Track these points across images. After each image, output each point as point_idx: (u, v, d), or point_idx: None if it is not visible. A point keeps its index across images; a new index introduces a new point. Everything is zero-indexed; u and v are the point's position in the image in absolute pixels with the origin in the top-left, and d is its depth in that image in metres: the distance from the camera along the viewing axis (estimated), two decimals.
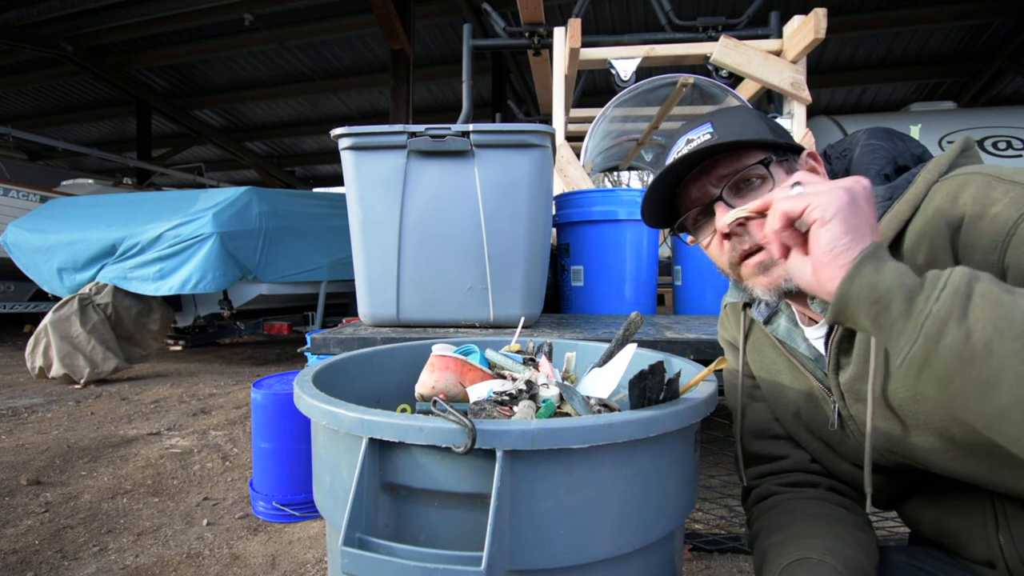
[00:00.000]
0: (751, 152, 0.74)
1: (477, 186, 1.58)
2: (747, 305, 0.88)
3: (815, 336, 0.78)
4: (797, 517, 0.78)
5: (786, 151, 0.76)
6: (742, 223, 0.71)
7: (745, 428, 0.91)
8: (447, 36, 8.09)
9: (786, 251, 0.61)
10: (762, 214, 0.64)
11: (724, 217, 0.70)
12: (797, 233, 0.59)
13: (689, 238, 0.84)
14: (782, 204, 0.58)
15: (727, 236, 0.73)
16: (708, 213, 0.77)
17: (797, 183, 0.60)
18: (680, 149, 0.78)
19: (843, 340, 0.72)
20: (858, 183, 0.57)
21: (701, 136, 0.76)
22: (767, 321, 0.83)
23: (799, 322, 0.80)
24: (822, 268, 0.56)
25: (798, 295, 0.76)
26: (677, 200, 0.82)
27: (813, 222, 0.56)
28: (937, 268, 0.62)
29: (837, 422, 0.75)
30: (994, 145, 4.92)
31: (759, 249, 0.72)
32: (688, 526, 1.85)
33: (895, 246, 0.67)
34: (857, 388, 0.71)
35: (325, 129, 10.78)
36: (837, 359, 0.73)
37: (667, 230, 2.50)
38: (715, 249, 0.77)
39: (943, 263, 0.62)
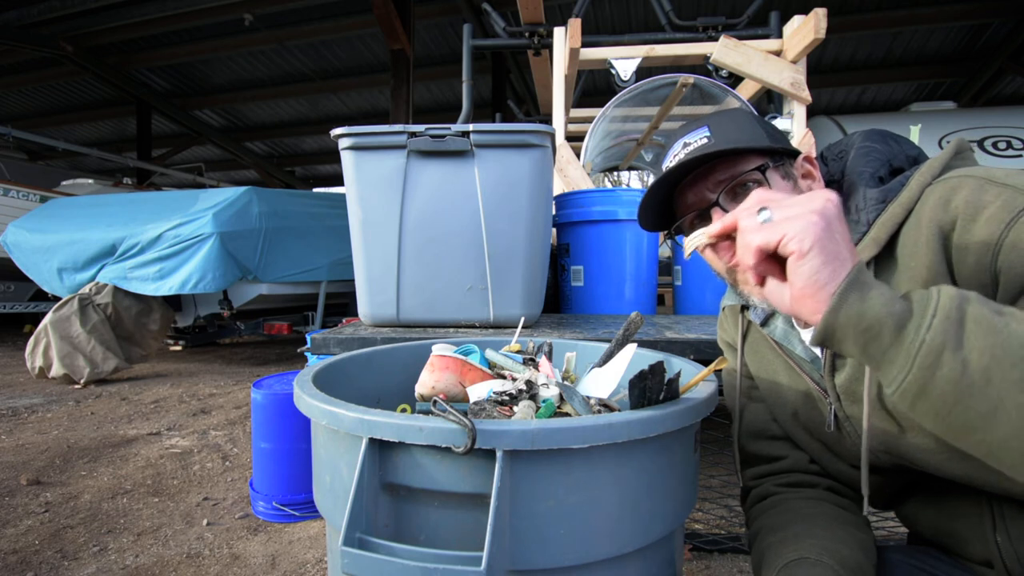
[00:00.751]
0: (748, 158, 0.75)
1: (477, 186, 1.58)
2: (745, 307, 0.89)
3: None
4: (795, 517, 0.78)
5: (782, 155, 0.76)
6: (712, 243, 0.69)
7: (743, 429, 0.91)
8: (447, 36, 8.09)
9: (762, 279, 0.60)
10: (729, 236, 0.62)
11: (688, 241, 0.69)
12: (772, 262, 0.57)
13: (685, 241, 0.84)
14: (755, 238, 0.55)
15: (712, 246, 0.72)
16: (704, 218, 0.78)
17: (763, 208, 0.57)
18: (677, 153, 0.78)
19: None
20: (828, 202, 0.54)
21: (698, 140, 0.76)
22: (764, 323, 0.84)
23: (795, 324, 0.80)
24: (804, 300, 0.54)
25: None
26: (674, 204, 0.83)
27: (790, 254, 0.53)
28: (930, 273, 0.62)
29: (833, 423, 0.76)
30: (994, 145, 4.92)
31: None
32: (688, 526, 1.85)
33: (888, 249, 0.68)
34: (853, 389, 0.71)
35: (325, 129, 10.78)
36: (833, 361, 0.73)
37: (665, 232, 2.50)
38: (710, 253, 0.78)
39: (936, 268, 0.62)
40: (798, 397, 0.82)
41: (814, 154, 0.80)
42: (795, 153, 0.77)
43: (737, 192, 0.75)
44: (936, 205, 0.63)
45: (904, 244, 0.66)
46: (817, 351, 0.77)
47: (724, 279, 0.80)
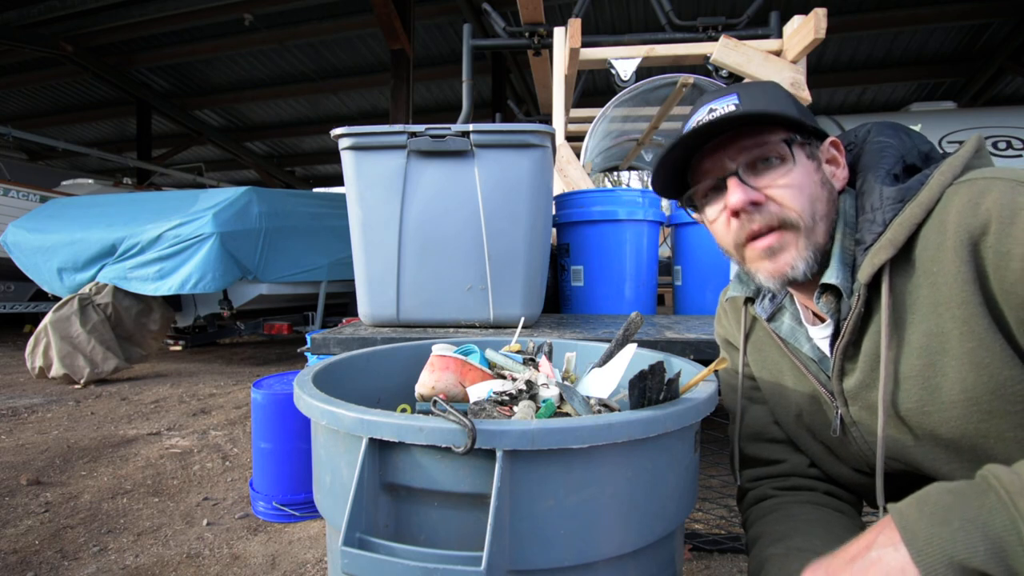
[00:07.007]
0: (774, 129, 0.71)
1: (477, 186, 1.58)
2: (748, 300, 0.86)
3: (820, 336, 0.76)
4: (797, 526, 0.77)
5: (811, 134, 0.73)
6: (755, 202, 0.68)
7: (743, 431, 0.90)
8: (447, 36, 8.09)
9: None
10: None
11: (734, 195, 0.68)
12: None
13: (695, 214, 0.81)
14: None
15: (736, 214, 0.70)
16: (720, 188, 0.74)
17: None
18: (701, 118, 0.73)
19: (849, 346, 0.70)
20: None
21: (725, 106, 0.71)
22: (770, 318, 0.81)
23: (803, 320, 0.79)
24: None
25: (804, 286, 0.74)
26: (690, 171, 0.79)
27: None
28: (956, 280, 0.59)
29: (839, 427, 0.74)
30: (994, 145, 4.92)
31: (769, 231, 0.69)
32: (688, 526, 1.85)
33: (905, 251, 0.65)
34: (862, 395, 0.70)
35: (325, 129, 10.78)
36: (842, 365, 0.72)
37: (668, 228, 2.51)
38: (721, 227, 0.74)
39: (964, 275, 0.59)
40: (803, 399, 0.80)
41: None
42: (823, 135, 0.74)
43: (758, 165, 0.71)
44: (963, 208, 0.60)
45: (924, 247, 0.63)
46: (825, 350, 0.75)
47: (731, 256, 0.77)
